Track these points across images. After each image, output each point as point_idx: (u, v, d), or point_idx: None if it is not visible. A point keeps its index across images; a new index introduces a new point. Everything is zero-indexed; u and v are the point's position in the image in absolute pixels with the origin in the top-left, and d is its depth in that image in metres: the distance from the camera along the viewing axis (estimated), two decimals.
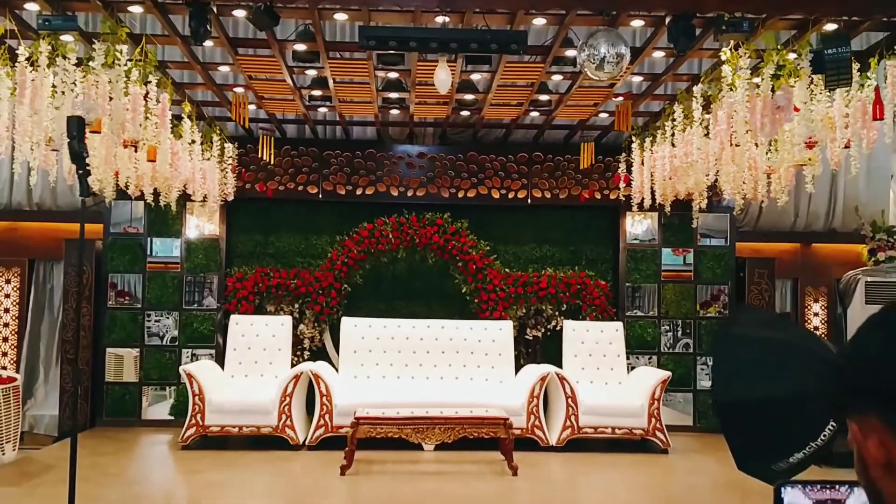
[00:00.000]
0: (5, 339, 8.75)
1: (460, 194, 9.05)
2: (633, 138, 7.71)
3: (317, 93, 7.39)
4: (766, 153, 6.23)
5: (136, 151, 6.08)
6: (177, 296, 8.84)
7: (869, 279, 8.61)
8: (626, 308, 9.04)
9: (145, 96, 5.69)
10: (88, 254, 8.48)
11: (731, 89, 5.30)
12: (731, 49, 5.31)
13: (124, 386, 8.70)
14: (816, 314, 9.14)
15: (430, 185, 9.05)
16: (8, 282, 8.78)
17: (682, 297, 9.07)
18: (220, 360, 8.47)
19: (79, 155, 4.18)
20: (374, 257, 8.82)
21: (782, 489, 1.77)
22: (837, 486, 1.80)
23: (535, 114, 8.13)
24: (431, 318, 8.67)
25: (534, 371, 7.95)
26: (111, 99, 5.28)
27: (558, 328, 8.72)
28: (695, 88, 6.21)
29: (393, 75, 6.91)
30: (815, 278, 9.22)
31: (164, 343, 8.82)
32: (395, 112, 8.17)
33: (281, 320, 8.50)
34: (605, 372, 8.36)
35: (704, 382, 8.95)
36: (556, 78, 7.02)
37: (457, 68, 6.32)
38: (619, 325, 8.60)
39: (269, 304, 8.79)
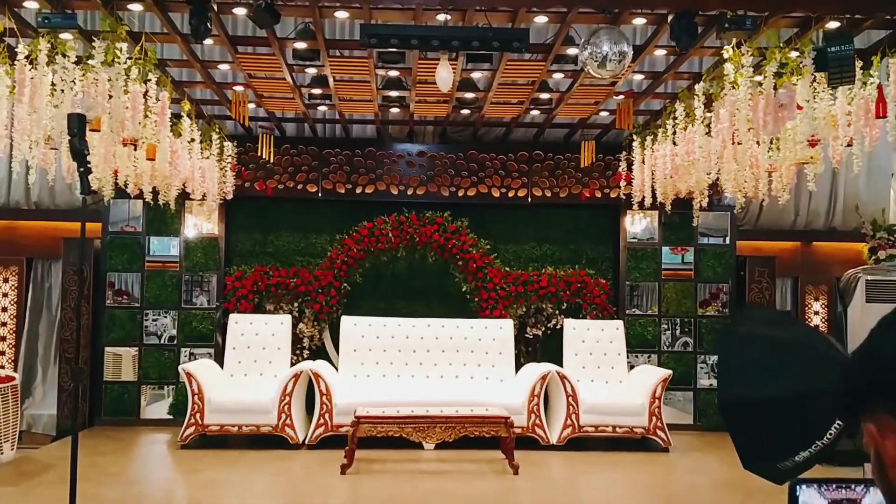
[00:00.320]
0: (3, 339, 8.71)
1: (460, 193, 9.03)
2: (634, 137, 7.70)
3: (317, 91, 7.37)
4: (768, 151, 6.22)
5: (135, 150, 6.05)
6: (175, 295, 8.82)
7: (869, 278, 8.61)
8: (627, 307, 9.03)
9: (145, 94, 5.66)
10: (87, 253, 8.44)
11: (734, 87, 5.28)
12: (733, 47, 5.29)
13: (123, 385, 8.67)
14: (817, 313, 9.13)
15: (430, 183, 9.03)
16: (6, 281, 8.75)
17: (683, 295, 9.06)
18: (218, 359, 8.44)
19: (80, 152, 4.15)
20: (374, 256, 8.80)
21: (797, 488, 1.75)
22: (853, 486, 1.78)
23: (535, 112, 8.11)
24: (431, 316, 8.66)
25: (534, 370, 7.94)
26: (111, 97, 5.25)
27: (558, 327, 8.71)
28: (696, 86, 6.19)
29: (393, 73, 6.89)
30: (815, 277, 9.22)
31: (162, 342, 8.79)
32: (395, 110, 8.14)
33: (280, 319, 8.48)
34: (605, 370, 8.35)
35: (704, 381, 8.95)
36: (557, 76, 6.99)
37: (457, 67, 6.29)
38: (619, 323, 8.59)
39: (268, 303, 8.77)
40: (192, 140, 7.10)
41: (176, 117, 6.76)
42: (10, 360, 8.62)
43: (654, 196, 7.45)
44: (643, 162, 7.50)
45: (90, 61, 5.19)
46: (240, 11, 5.42)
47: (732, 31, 5.06)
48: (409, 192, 9.01)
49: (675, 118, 6.70)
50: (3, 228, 8.97)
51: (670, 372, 7.87)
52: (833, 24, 5.27)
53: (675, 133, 6.74)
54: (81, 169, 4.21)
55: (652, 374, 7.93)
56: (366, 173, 9.00)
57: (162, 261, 8.85)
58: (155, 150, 6.15)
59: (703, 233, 9.06)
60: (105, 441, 7.74)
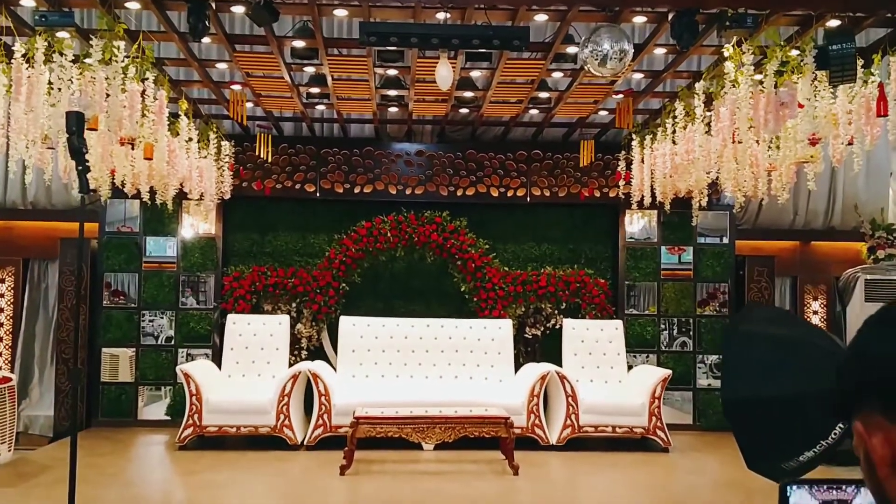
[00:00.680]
0: (0, 339, 8.67)
1: (459, 192, 9.01)
2: (634, 136, 7.68)
3: (315, 90, 7.34)
4: (768, 150, 6.21)
5: (132, 149, 6.01)
6: (173, 295, 8.78)
7: (868, 277, 8.61)
8: (626, 306, 9.01)
9: (142, 93, 5.62)
10: (84, 253, 8.40)
11: (734, 86, 5.27)
12: (733, 45, 5.28)
13: (120, 386, 8.64)
14: (816, 312, 9.13)
15: (429, 183, 9.00)
16: (2, 281, 8.70)
17: (682, 295, 9.05)
18: (216, 359, 8.41)
19: (78, 151, 4.11)
20: (373, 256, 8.77)
21: (788, 489, 1.74)
22: (844, 487, 1.77)
23: (534, 111, 8.09)
24: (430, 316, 8.64)
25: (534, 370, 7.92)
26: (108, 96, 5.22)
27: (558, 327, 8.69)
28: (696, 85, 6.17)
29: (392, 72, 6.86)
30: (814, 276, 9.21)
31: (159, 343, 8.75)
32: (393, 109, 8.12)
33: (278, 319, 8.45)
34: (604, 370, 8.33)
35: (703, 381, 8.93)
36: (557, 75, 6.97)
37: (456, 65, 6.27)
38: (618, 323, 8.57)
39: (266, 304, 8.74)
40: (190, 139, 7.06)
41: (173, 116, 6.72)
42: (6, 361, 8.58)
43: (653, 195, 7.43)
44: (642, 161, 7.48)
45: (87, 60, 5.16)
46: (238, 9, 5.39)
47: (733, 29, 5.05)
48: (408, 191, 8.99)
49: (674, 117, 6.68)
50: None
51: (670, 372, 7.85)
52: (834, 23, 5.26)
53: (674, 132, 6.72)
54: (80, 167, 4.18)
55: (651, 374, 7.91)
56: (364, 173, 8.97)
57: (159, 261, 8.81)
58: (152, 150, 6.11)
59: (701, 232, 9.05)
60: (102, 442, 7.70)
